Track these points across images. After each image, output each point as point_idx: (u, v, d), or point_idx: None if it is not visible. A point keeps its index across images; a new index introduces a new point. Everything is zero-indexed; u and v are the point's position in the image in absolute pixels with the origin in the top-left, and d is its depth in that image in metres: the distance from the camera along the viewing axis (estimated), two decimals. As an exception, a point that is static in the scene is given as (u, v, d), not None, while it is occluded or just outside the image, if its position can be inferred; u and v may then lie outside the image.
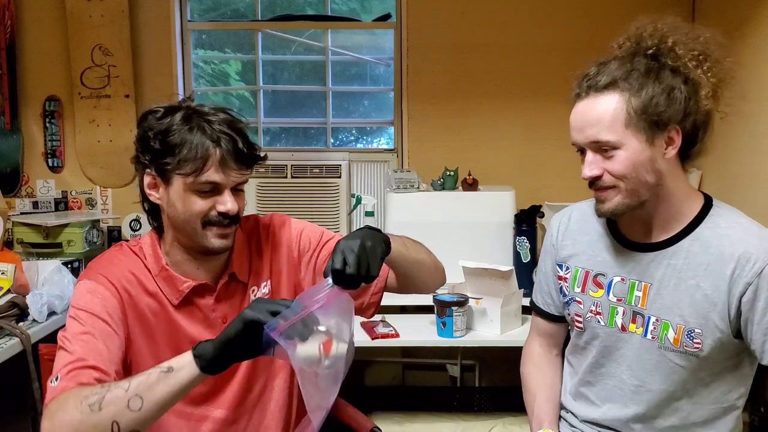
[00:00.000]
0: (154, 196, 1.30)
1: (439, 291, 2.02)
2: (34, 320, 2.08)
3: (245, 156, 1.27)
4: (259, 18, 3.16)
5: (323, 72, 3.20)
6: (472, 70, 3.01)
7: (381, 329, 2.20)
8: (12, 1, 2.95)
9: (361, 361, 3.02)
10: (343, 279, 1.10)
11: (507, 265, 2.20)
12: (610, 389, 1.42)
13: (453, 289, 2.21)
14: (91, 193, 3.10)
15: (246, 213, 1.38)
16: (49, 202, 3.07)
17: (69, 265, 2.41)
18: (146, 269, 1.32)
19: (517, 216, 2.54)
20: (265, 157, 1.33)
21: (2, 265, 2.12)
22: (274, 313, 1.05)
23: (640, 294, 1.36)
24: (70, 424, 1.07)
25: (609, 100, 1.26)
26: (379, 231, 1.24)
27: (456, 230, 2.54)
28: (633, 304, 1.37)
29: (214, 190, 1.26)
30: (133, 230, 3.02)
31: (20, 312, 2.06)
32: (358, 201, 2.87)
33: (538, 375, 1.56)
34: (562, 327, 1.56)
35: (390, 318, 2.30)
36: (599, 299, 1.41)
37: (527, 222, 2.49)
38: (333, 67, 3.21)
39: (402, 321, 2.31)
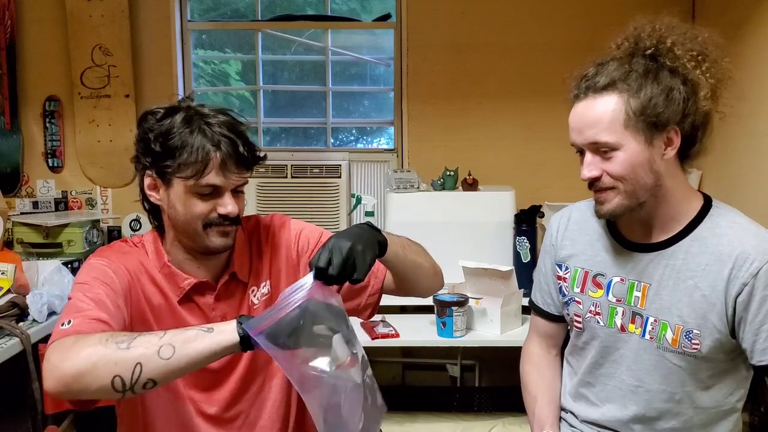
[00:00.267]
0: (154, 197, 1.30)
1: (439, 291, 2.03)
2: (34, 320, 2.09)
3: (245, 159, 1.27)
4: (259, 18, 3.16)
5: (323, 72, 3.20)
6: (472, 70, 3.01)
7: (381, 329, 2.20)
8: (12, 1, 2.95)
9: (361, 361, 3.02)
10: (324, 278, 1.09)
11: (507, 265, 2.20)
12: (610, 390, 1.42)
13: (453, 289, 2.21)
14: (91, 193, 3.10)
15: (246, 213, 1.38)
16: (49, 202, 3.07)
17: (69, 265, 2.41)
18: (151, 262, 1.33)
19: (517, 216, 2.54)
20: (264, 158, 1.33)
21: (2, 265, 2.13)
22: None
23: (639, 294, 1.36)
24: (89, 356, 1.03)
25: (608, 101, 1.26)
26: (378, 231, 1.23)
27: (456, 230, 2.54)
28: (632, 304, 1.37)
29: (215, 192, 1.26)
30: (133, 230, 3.02)
31: (20, 312, 2.06)
32: (358, 201, 2.87)
33: (537, 376, 1.56)
34: (561, 327, 1.56)
35: (390, 318, 2.31)
36: (598, 299, 1.41)
37: (527, 222, 2.50)
38: (333, 67, 3.21)
39: (402, 321, 2.32)
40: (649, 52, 1.29)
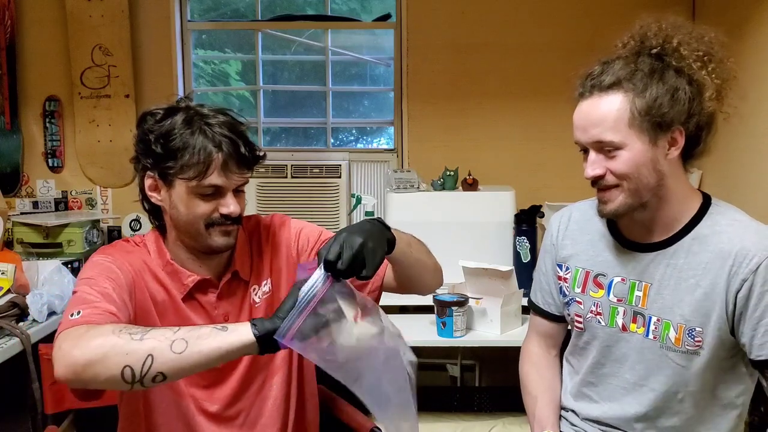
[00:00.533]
0: (155, 198, 1.31)
1: (439, 291, 2.02)
2: (34, 320, 2.09)
3: (247, 159, 1.28)
4: (259, 18, 3.16)
5: (323, 72, 3.20)
6: (472, 70, 3.01)
7: (381, 329, 2.20)
8: (12, 1, 2.95)
9: (361, 361, 3.02)
10: (333, 271, 1.09)
11: (507, 265, 2.20)
12: (612, 389, 1.42)
13: (453, 289, 2.21)
14: (91, 193, 3.10)
15: (246, 213, 1.39)
16: (49, 202, 3.07)
17: (69, 265, 2.41)
18: (154, 261, 1.33)
19: (517, 216, 2.54)
20: (264, 157, 1.33)
21: (2, 265, 2.12)
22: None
23: (640, 294, 1.36)
24: (101, 345, 1.03)
25: (613, 100, 1.26)
26: (388, 229, 1.23)
27: (456, 230, 2.53)
28: (633, 304, 1.37)
29: (217, 192, 1.27)
30: (133, 230, 3.02)
31: (20, 312, 2.06)
32: (358, 201, 2.87)
33: (537, 377, 1.56)
34: (561, 327, 1.56)
35: (390, 318, 2.30)
36: (600, 299, 1.41)
37: (527, 222, 2.49)
38: (333, 67, 3.21)
39: (402, 321, 2.31)
40: (655, 51, 1.29)
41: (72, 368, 1.03)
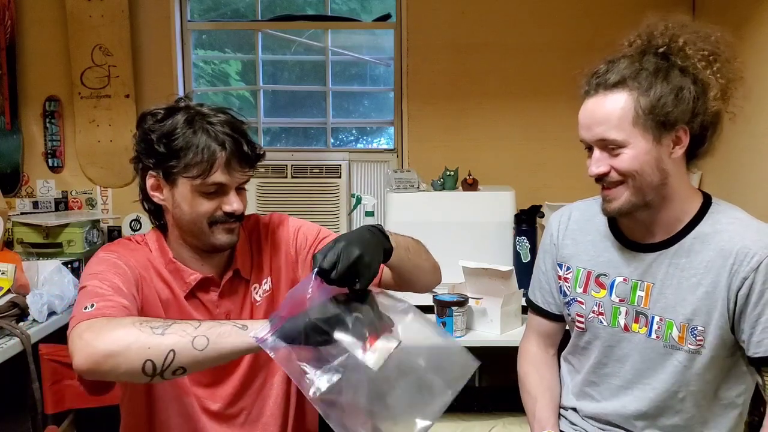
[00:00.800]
0: (158, 197, 1.31)
1: (439, 291, 2.02)
2: (34, 320, 2.08)
3: (249, 157, 1.29)
4: (259, 18, 3.16)
5: (323, 72, 3.20)
6: (472, 70, 3.01)
7: (381, 329, 2.20)
8: (12, 1, 2.95)
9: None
10: (326, 278, 1.07)
11: (507, 265, 2.20)
12: (615, 388, 1.42)
13: (453, 289, 2.21)
14: (91, 193, 3.10)
15: (246, 213, 1.39)
16: (49, 202, 3.07)
17: (69, 265, 2.41)
18: (157, 259, 1.34)
19: (517, 216, 2.54)
20: (264, 155, 1.34)
21: (2, 265, 2.12)
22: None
23: (642, 294, 1.36)
24: (123, 337, 1.03)
25: (618, 99, 1.26)
26: (387, 238, 1.20)
27: (456, 230, 2.53)
28: (636, 304, 1.37)
29: (220, 191, 1.28)
30: (133, 230, 3.02)
31: (20, 312, 2.06)
32: (358, 201, 2.87)
33: (537, 377, 1.56)
34: (560, 326, 1.56)
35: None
36: (602, 299, 1.41)
37: (527, 222, 2.49)
38: (333, 67, 3.21)
39: (402, 321, 2.31)
40: (660, 50, 1.29)
41: (93, 358, 1.03)
